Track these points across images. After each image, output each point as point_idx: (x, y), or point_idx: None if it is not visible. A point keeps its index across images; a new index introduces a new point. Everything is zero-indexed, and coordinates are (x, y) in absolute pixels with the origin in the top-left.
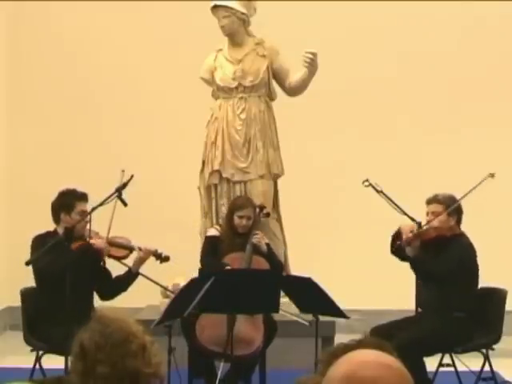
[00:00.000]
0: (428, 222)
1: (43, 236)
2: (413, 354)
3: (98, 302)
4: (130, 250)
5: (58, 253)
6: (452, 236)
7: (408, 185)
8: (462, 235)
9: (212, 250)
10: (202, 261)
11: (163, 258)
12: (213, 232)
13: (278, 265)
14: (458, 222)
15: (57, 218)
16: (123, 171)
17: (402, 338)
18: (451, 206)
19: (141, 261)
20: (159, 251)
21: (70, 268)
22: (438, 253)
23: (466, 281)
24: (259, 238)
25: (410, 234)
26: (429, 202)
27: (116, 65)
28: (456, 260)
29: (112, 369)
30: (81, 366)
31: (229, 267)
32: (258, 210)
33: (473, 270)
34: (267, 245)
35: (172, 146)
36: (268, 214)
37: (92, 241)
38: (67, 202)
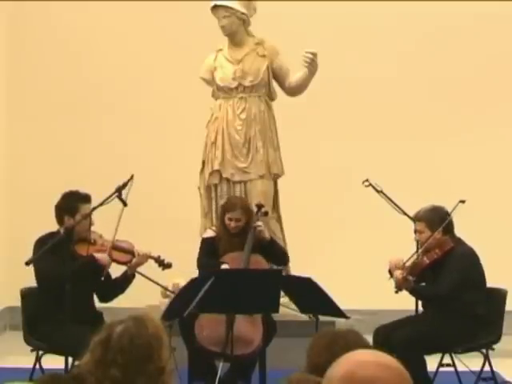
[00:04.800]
0: (417, 247)
1: (46, 238)
2: (413, 351)
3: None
4: (134, 255)
5: (59, 253)
6: (444, 254)
7: (408, 185)
8: (456, 247)
9: (209, 251)
10: (198, 262)
11: (166, 265)
12: (209, 233)
13: (281, 251)
14: (448, 230)
15: (61, 220)
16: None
17: (402, 334)
18: (432, 220)
19: (137, 264)
20: (161, 257)
21: (71, 276)
22: (436, 275)
23: (471, 288)
24: (261, 226)
25: (401, 276)
26: (414, 219)
27: (116, 65)
28: (455, 274)
29: (124, 376)
30: (99, 352)
31: (226, 265)
32: (256, 208)
33: (476, 277)
34: (271, 238)
35: (172, 145)
36: (266, 213)
37: (97, 255)
38: (71, 204)
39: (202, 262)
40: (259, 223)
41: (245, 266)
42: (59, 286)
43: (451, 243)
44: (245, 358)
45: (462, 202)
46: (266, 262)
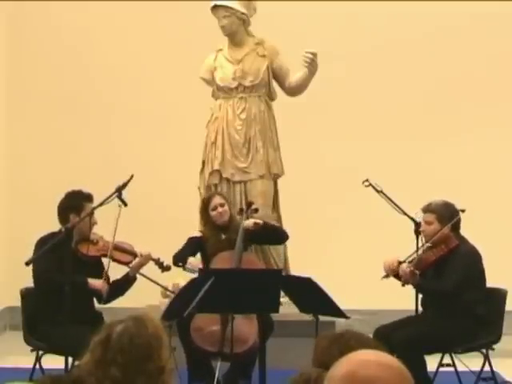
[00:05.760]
0: (417, 240)
1: (47, 238)
2: (413, 351)
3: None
4: (134, 255)
5: (59, 253)
6: (449, 251)
7: (408, 185)
8: (461, 244)
9: (192, 248)
10: (174, 259)
11: (165, 267)
12: (196, 233)
13: (278, 230)
14: (456, 227)
15: (65, 219)
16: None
17: (402, 334)
18: (443, 215)
19: (139, 266)
20: (161, 260)
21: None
22: (440, 271)
23: (472, 287)
24: (250, 223)
25: (408, 270)
26: (423, 210)
27: (116, 65)
28: (460, 272)
29: (124, 376)
30: (99, 352)
31: (192, 258)
32: (245, 206)
33: (478, 276)
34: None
35: (172, 145)
36: (256, 210)
37: (91, 282)
38: (76, 203)
39: (176, 257)
40: (248, 222)
41: (236, 266)
42: (56, 288)
43: (456, 240)
44: (241, 356)
45: (462, 211)
46: (271, 244)
